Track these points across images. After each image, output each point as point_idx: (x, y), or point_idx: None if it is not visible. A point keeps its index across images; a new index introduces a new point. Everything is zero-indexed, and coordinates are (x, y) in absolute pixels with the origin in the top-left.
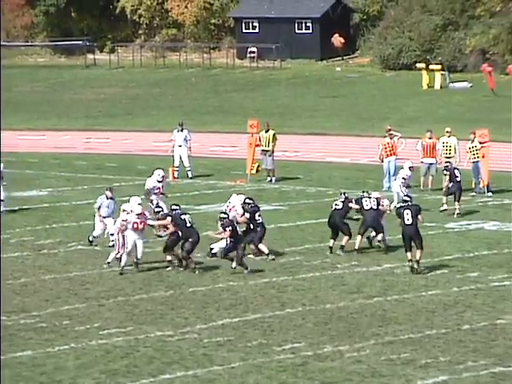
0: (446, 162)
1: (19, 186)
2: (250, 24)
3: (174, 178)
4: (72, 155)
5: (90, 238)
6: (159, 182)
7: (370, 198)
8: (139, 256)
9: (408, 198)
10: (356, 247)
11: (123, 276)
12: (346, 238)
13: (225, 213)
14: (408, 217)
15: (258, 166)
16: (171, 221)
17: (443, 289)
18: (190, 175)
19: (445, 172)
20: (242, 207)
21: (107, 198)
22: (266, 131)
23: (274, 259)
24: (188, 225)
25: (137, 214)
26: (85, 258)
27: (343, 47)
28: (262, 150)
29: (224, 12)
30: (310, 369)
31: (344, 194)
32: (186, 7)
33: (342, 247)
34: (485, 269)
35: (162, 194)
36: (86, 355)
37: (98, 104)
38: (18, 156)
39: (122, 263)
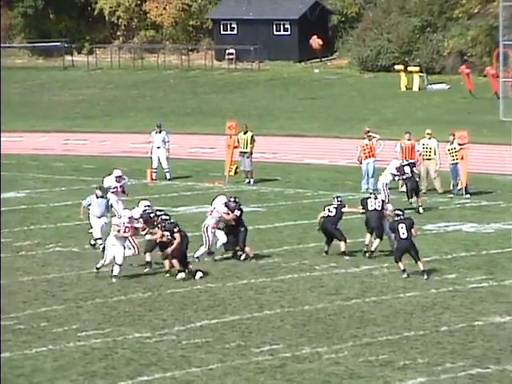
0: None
1: None
2: (228, 26)
3: (152, 179)
4: (50, 157)
5: (92, 242)
6: (116, 181)
7: (376, 199)
8: (119, 262)
9: (400, 212)
10: (372, 248)
11: (101, 278)
12: (343, 243)
13: (167, 214)
14: (403, 231)
15: (237, 168)
16: (162, 231)
17: (421, 290)
18: (168, 177)
19: (396, 177)
20: (227, 206)
21: (97, 197)
22: (245, 133)
23: (248, 258)
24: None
25: (128, 218)
26: (63, 260)
27: (321, 49)
28: (241, 152)
29: (202, 14)
30: (289, 370)
31: (338, 197)
32: (164, 9)
33: (344, 253)
34: (463, 270)
35: (123, 192)
36: (64, 357)
37: (75, 105)
38: None
39: (99, 265)
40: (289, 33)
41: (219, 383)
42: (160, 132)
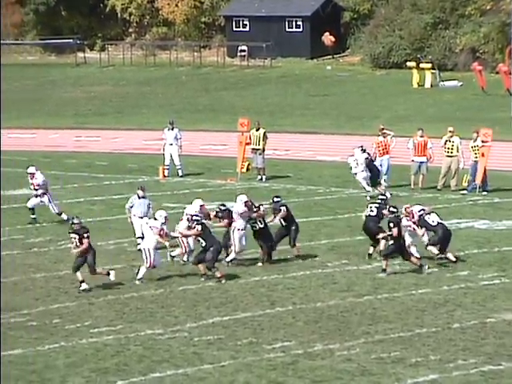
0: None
1: (9, 184)
2: (241, 22)
3: (165, 176)
4: (62, 154)
5: (138, 241)
6: (30, 178)
7: (429, 214)
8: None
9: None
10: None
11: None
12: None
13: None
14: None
15: (249, 165)
16: (201, 229)
17: (433, 287)
18: (180, 173)
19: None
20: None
21: (139, 198)
22: (257, 130)
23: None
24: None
25: (165, 217)
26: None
27: (333, 46)
28: (253, 149)
29: (214, 10)
30: (300, 367)
31: (383, 194)
32: (176, 6)
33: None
34: (475, 267)
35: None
36: (76, 354)
37: (87, 102)
38: (7, 154)
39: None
40: (301, 30)
41: (231, 380)
42: (172, 129)
